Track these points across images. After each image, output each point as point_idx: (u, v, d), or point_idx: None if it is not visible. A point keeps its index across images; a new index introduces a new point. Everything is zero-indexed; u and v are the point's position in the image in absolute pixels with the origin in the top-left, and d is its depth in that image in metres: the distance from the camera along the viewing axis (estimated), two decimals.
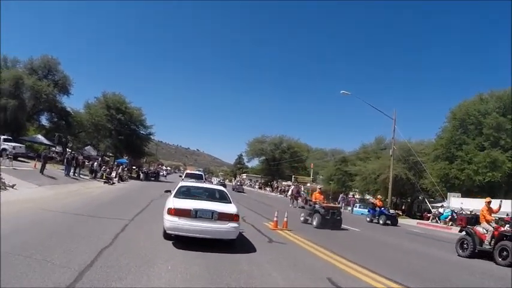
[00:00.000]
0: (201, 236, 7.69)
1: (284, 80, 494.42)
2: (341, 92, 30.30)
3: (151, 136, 53.59)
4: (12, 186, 15.54)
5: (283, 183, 66.14)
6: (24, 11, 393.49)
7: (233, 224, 7.91)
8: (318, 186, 18.20)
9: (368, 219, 22.89)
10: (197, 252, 7.28)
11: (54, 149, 39.35)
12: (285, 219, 13.01)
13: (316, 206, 15.55)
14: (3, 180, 15.41)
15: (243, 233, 9.88)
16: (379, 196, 25.76)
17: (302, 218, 16.21)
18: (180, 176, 39.42)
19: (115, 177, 33.13)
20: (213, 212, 7.78)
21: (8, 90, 33.41)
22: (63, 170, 25.97)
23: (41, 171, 22.29)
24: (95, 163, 31.95)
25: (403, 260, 9.88)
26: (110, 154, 52.10)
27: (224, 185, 27.02)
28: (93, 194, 19.37)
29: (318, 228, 14.36)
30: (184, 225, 7.57)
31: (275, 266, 6.94)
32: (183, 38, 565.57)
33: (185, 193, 9.14)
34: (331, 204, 17.42)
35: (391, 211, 23.56)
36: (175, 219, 7.62)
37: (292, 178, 64.15)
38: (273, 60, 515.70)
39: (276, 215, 12.84)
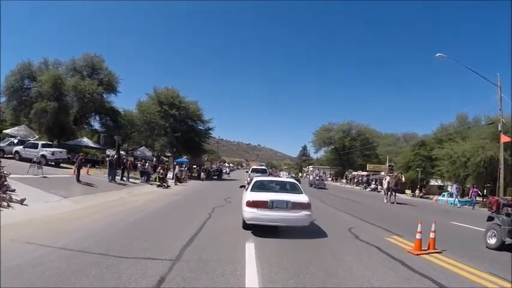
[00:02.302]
0: (278, 224, 8.47)
1: (342, 66, 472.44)
2: (436, 55, 25.89)
3: (210, 131, 49.36)
4: (22, 202, 11.61)
5: (354, 173, 60.36)
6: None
7: (306, 212, 8.56)
8: None
9: None
10: None
11: (108, 152, 36.24)
12: (432, 235, 7.90)
13: None
14: (10, 194, 11.80)
15: (380, 271, 5.94)
16: None
17: (491, 240, 8.83)
18: (247, 172, 39.82)
19: (171, 178, 29.62)
20: (287, 202, 8.50)
21: (47, 92, 30.35)
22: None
23: (77, 178, 18.34)
24: (146, 164, 27.85)
25: None
26: (168, 154, 48.65)
27: (298, 181, 21.40)
28: (136, 204, 15.03)
29: None
30: (262, 215, 8.31)
31: None
32: (239, 31, 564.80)
33: (260, 187, 10.02)
34: None
35: None
36: (254, 210, 8.39)
37: (368, 166, 57.59)
38: (332, 48, 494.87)
39: (419, 229, 7.80)
